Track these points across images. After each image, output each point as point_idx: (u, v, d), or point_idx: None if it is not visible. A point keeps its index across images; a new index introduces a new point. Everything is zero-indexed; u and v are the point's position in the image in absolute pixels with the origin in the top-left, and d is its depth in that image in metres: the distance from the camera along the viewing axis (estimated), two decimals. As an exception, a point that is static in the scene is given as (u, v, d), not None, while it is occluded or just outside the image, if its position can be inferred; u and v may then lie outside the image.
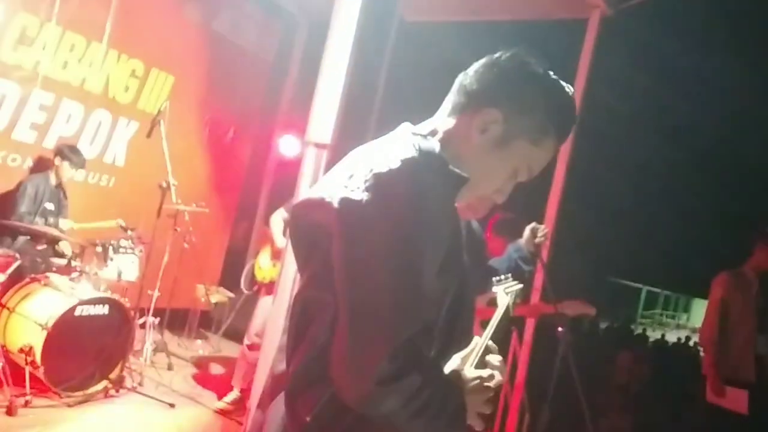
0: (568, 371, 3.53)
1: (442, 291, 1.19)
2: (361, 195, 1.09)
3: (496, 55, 1.28)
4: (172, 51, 5.61)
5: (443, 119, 1.29)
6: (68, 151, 4.56)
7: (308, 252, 1.22)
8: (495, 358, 1.35)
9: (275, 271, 4.28)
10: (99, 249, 4.14)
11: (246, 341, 4.32)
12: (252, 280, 4.57)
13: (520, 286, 1.95)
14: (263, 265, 4.43)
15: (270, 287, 4.31)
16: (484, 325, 1.56)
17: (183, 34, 5.69)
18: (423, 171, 1.12)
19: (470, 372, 1.23)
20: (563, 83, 1.30)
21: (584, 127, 4.83)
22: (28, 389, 3.51)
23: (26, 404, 3.48)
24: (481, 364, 1.36)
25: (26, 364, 3.58)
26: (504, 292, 1.85)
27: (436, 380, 1.13)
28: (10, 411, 3.36)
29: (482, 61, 1.29)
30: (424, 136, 1.24)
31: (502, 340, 1.57)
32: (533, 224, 2.91)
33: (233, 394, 4.28)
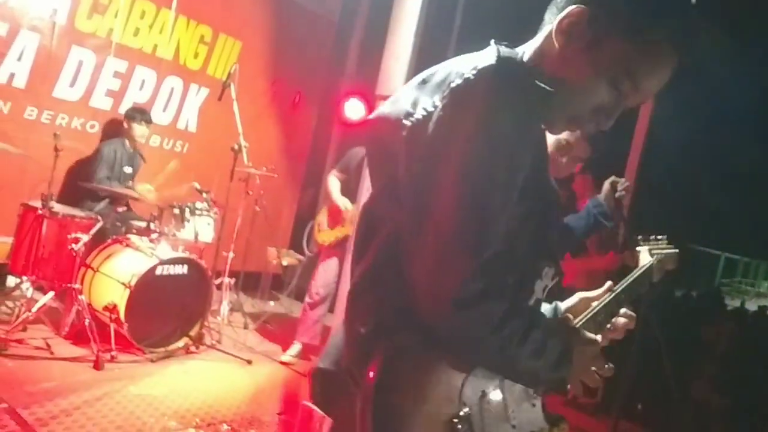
0: (649, 333, 3.37)
1: (524, 216, 1.09)
2: (436, 112, 1.04)
3: None
4: (238, 15, 5.62)
5: (535, 38, 1.17)
6: (131, 111, 4.71)
7: (380, 166, 1.17)
8: (622, 320, 1.32)
9: (334, 234, 4.29)
10: (176, 211, 4.23)
11: (307, 299, 4.39)
12: (314, 241, 4.59)
13: (675, 251, 1.77)
14: (323, 227, 4.44)
15: (329, 250, 4.34)
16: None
17: (249, -2, 5.69)
18: (501, 82, 1.03)
19: (593, 335, 1.17)
20: None
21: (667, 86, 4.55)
22: (113, 345, 3.65)
23: (112, 359, 3.62)
24: (608, 315, 1.33)
25: (111, 321, 3.72)
26: (649, 253, 1.70)
27: (533, 316, 1.07)
28: (96, 365, 3.50)
29: None
30: (510, 46, 1.14)
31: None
32: (612, 178, 2.73)
33: (295, 348, 4.38)
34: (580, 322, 1.27)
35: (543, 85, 1.08)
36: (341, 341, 1.19)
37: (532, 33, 1.20)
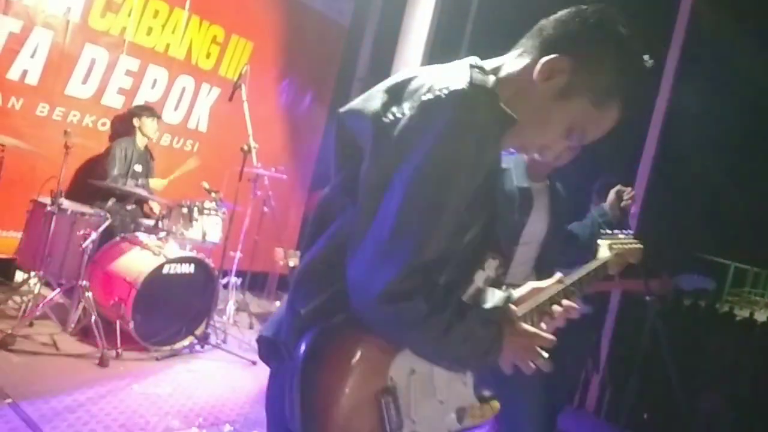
0: (656, 342, 3.35)
1: (466, 225, 1.15)
2: (403, 120, 1.09)
3: (584, 6, 1.21)
4: (251, 17, 5.64)
5: (511, 59, 1.24)
6: (138, 109, 4.76)
7: (344, 159, 1.24)
8: (559, 310, 1.33)
9: None
10: (185, 210, 4.24)
11: None
12: None
13: (638, 246, 1.77)
14: None
15: None
16: None
17: (261, 0, 5.70)
18: (468, 108, 1.08)
19: (531, 328, 1.22)
20: (645, 55, 1.20)
21: (679, 94, 4.56)
22: (118, 342, 3.67)
23: (117, 356, 3.64)
24: (550, 304, 1.35)
25: (117, 318, 3.74)
26: (608, 247, 1.71)
27: (458, 310, 1.10)
28: (102, 362, 3.52)
29: (568, 9, 1.22)
30: (483, 70, 1.19)
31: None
32: (618, 186, 2.72)
33: None
34: (523, 312, 1.31)
35: (510, 112, 1.14)
36: (283, 315, 1.23)
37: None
